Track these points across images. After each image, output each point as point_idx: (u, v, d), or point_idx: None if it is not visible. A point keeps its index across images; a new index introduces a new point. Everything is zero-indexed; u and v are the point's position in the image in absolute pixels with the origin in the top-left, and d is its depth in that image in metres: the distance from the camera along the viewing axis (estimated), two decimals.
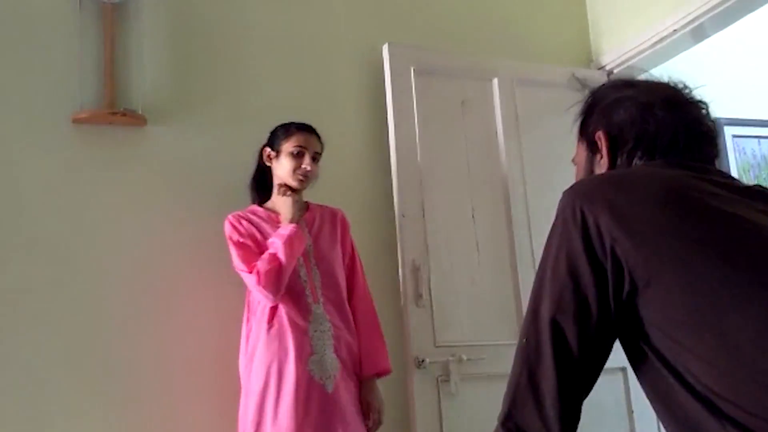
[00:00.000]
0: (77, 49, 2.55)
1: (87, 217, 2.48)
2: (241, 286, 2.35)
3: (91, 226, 2.48)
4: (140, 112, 2.57)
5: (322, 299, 2.32)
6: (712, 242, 1.00)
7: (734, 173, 3.93)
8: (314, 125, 2.77)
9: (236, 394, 2.31)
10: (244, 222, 2.36)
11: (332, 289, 2.37)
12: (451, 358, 2.62)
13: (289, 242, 2.25)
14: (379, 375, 2.40)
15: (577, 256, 1.06)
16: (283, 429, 2.13)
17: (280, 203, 2.38)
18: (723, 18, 2.83)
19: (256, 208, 2.45)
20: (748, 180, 3.91)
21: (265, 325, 2.25)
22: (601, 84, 1.32)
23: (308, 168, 2.36)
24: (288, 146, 2.39)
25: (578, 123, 1.31)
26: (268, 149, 2.46)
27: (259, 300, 2.28)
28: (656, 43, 3.06)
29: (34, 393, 2.30)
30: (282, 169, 2.40)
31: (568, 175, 3.21)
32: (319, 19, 2.96)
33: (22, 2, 2.54)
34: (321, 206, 2.52)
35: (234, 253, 2.31)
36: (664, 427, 1.08)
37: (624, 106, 1.21)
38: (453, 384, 2.60)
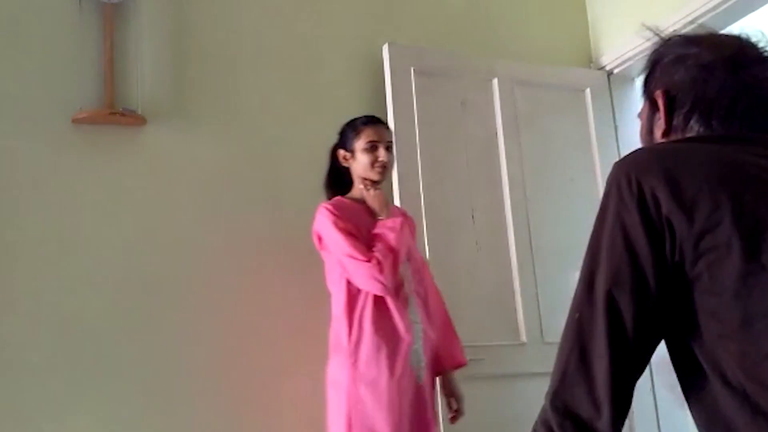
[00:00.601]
0: (77, 48, 2.55)
1: (86, 216, 2.48)
2: (256, 284, 2.33)
3: (91, 226, 2.47)
4: (139, 112, 2.57)
5: (414, 293, 2.35)
6: (766, 225, 0.97)
7: None
8: (313, 125, 2.79)
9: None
10: (341, 210, 2.33)
11: (420, 284, 2.41)
12: None
13: (400, 234, 2.28)
14: (457, 367, 2.46)
15: (634, 227, 1.01)
16: (394, 419, 2.16)
17: (370, 198, 2.39)
18: (723, 18, 2.83)
19: (341, 199, 2.44)
20: None
21: (371, 316, 2.23)
22: (667, 37, 1.23)
23: (384, 159, 2.39)
24: (360, 144, 2.41)
25: (642, 78, 1.25)
26: (342, 151, 2.46)
27: (368, 290, 2.25)
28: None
29: (51, 397, 2.31)
30: (360, 166, 2.41)
31: (567, 175, 3.21)
32: (319, 19, 2.96)
33: (21, 2, 2.54)
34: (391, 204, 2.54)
35: (343, 241, 2.25)
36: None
37: (685, 65, 1.15)
38: None
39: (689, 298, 1.00)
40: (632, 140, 2.84)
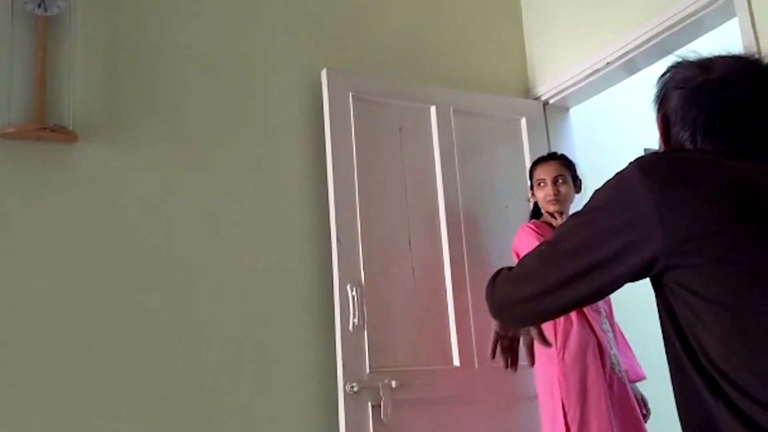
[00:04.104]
0: (7, 62, 2.46)
1: (12, 238, 2.38)
2: (192, 309, 2.27)
3: (17, 245, 2.38)
4: (71, 129, 2.49)
5: (602, 307, 2.68)
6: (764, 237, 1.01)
7: None
8: (251, 147, 2.76)
9: None
10: (541, 228, 2.70)
11: (605, 300, 2.68)
12: (383, 384, 2.60)
13: None
14: (639, 380, 2.72)
15: (622, 226, 1.09)
16: (604, 414, 2.45)
17: (557, 225, 2.68)
18: (653, 53, 2.92)
19: (536, 221, 2.81)
20: None
21: (576, 326, 2.57)
22: (675, 63, 1.27)
23: (551, 193, 2.75)
24: (534, 182, 2.84)
25: (654, 100, 1.30)
26: (528, 188, 2.91)
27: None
28: (590, 75, 3.15)
29: None
30: (539, 199, 2.83)
31: (502, 202, 3.26)
32: (258, 42, 2.94)
33: None
34: None
35: None
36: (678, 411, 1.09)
37: (679, 91, 1.21)
38: (384, 410, 2.58)
39: (675, 288, 1.05)
40: None
